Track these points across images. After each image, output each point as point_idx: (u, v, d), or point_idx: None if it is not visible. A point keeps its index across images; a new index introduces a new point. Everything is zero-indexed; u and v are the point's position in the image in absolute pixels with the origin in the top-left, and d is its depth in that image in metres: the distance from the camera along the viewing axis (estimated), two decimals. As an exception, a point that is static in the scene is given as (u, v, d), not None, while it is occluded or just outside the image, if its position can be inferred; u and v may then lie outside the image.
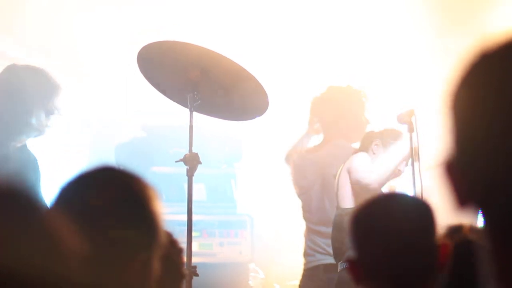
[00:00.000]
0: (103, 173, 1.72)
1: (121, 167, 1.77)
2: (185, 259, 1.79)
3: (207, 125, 5.63)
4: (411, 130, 4.09)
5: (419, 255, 2.02)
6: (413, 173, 4.04)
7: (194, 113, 3.90)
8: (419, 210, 2.05)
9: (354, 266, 2.09)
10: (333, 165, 4.57)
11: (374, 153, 4.23)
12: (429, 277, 2.03)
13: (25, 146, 4.14)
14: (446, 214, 1.08)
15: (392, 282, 2.02)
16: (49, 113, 4.15)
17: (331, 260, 4.50)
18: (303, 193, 4.79)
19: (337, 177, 4.29)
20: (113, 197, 1.66)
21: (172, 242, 2.13)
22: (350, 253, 2.13)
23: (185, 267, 1.80)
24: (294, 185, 4.85)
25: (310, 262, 4.69)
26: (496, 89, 1.05)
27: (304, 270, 4.73)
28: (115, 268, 1.59)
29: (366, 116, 4.83)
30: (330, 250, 4.52)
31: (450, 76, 1.10)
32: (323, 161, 4.71)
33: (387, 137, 4.27)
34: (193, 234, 5.31)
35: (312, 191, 4.72)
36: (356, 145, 4.59)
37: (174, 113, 4.85)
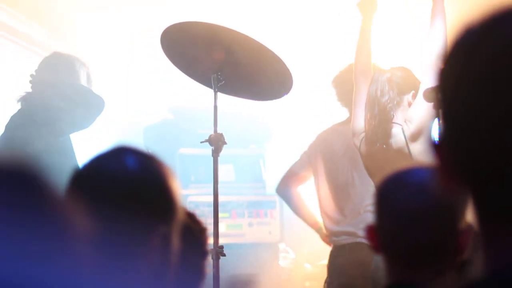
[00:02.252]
0: (121, 152, 1.75)
1: (140, 147, 1.80)
2: (209, 237, 1.80)
3: (236, 105, 5.63)
4: (436, 108, 4.04)
5: (432, 232, 2.00)
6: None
7: (222, 94, 3.91)
8: (437, 187, 2.02)
9: (373, 234, 2.09)
10: None
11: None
12: (443, 256, 2.00)
13: (67, 139, 4.18)
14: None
15: (405, 257, 2.01)
16: (88, 98, 4.23)
17: (355, 239, 4.51)
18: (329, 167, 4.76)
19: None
20: (130, 174, 1.70)
21: (195, 222, 2.14)
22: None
23: (209, 245, 1.81)
24: (318, 157, 4.84)
25: (334, 242, 4.68)
26: (480, 63, 1.03)
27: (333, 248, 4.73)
28: (134, 242, 1.62)
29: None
30: (352, 229, 4.53)
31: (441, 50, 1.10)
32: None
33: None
34: (223, 215, 5.35)
35: (339, 163, 4.70)
36: None
37: (202, 94, 4.85)
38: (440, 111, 1.08)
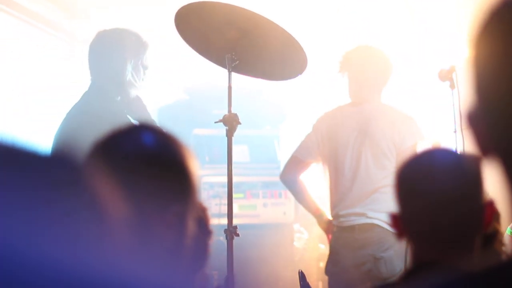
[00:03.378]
0: (138, 129, 1.75)
1: (157, 126, 1.80)
2: (210, 217, 1.80)
3: (251, 86, 5.63)
4: (452, 86, 4.04)
5: (461, 213, 1.99)
6: (456, 131, 3.99)
7: (237, 74, 3.91)
8: (464, 166, 2.02)
9: (397, 222, 2.08)
10: (376, 120, 4.59)
11: None
12: (472, 235, 2.00)
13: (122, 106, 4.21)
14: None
15: (434, 239, 2.00)
16: (143, 68, 4.29)
17: (365, 220, 4.51)
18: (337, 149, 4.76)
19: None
20: (147, 151, 1.69)
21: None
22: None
23: (211, 225, 1.80)
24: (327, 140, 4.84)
25: (342, 223, 4.68)
26: None
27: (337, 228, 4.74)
28: (148, 219, 1.62)
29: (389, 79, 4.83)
30: (361, 210, 4.54)
31: (474, 24, 1.08)
32: (364, 116, 4.69)
33: None
34: (237, 195, 5.35)
35: (350, 145, 4.69)
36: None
37: (217, 75, 4.85)
38: (476, 84, 1.07)
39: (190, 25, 3.91)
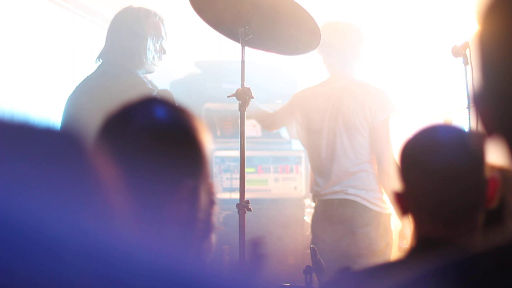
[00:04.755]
0: (151, 102, 1.75)
1: (170, 99, 1.79)
2: (215, 189, 1.80)
3: (263, 60, 5.61)
4: (466, 63, 4.02)
5: (465, 188, 1.98)
6: (469, 107, 3.98)
7: (250, 48, 3.90)
8: (468, 142, 2.01)
9: (400, 198, 2.08)
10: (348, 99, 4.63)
11: None
12: (476, 211, 2.00)
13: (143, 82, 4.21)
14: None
15: (437, 215, 2.00)
16: (160, 52, 4.27)
17: (344, 196, 4.56)
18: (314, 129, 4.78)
19: None
20: (160, 124, 1.69)
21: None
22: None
23: (215, 196, 1.81)
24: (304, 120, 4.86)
25: (322, 196, 4.73)
26: None
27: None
28: (161, 193, 1.62)
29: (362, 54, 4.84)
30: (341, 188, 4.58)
31: (480, 4, 1.07)
32: (335, 95, 4.73)
33: None
34: (249, 170, 5.36)
35: (326, 124, 4.71)
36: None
37: (230, 49, 4.84)
38: (481, 64, 1.06)
39: (203, -1, 3.90)
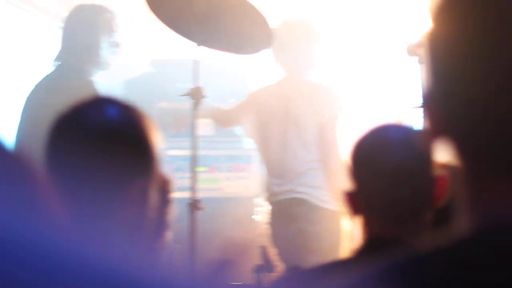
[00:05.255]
0: (101, 102, 1.74)
1: (121, 99, 1.79)
2: (172, 187, 1.80)
3: (217, 59, 5.62)
4: (421, 62, 4.05)
5: (414, 188, 2.01)
6: (422, 106, 4.00)
7: (204, 47, 3.92)
8: (417, 141, 2.03)
9: (350, 198, 2.09)
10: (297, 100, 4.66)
11: None
12: (425, 210, 2.02)
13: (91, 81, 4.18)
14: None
15: (388, 214, 2.01)
16: (113, 48, 4.25)
17: (293, 195, 4.60)
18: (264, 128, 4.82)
19: None
20: (109, 124, 1.68)
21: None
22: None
23: (173, 195, 1.81)
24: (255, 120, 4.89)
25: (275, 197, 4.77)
26: (475, 16, 1.02)
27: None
28: (111, 193, 1.62)
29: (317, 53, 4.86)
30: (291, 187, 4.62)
31: (433, 2, 1.08)
32: (285, 95, 4.76)
33: None
34: (201, 169, 5.36)
35: (277, 124, 4.74)
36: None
37: (184, 48, 4.83)
38: (430, 63, 1.08)
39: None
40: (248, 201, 5.63)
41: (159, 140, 1.73)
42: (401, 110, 5.37)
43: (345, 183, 2.13)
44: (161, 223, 1.76)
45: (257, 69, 6.32)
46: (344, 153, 4.43)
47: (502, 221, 1.00)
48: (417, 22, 5.72)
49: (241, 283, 3.04)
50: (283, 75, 4.88)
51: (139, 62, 6.23)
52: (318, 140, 4.63)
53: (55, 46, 4.30)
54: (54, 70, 4.19)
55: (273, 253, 4.63)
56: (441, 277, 0.95)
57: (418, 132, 2.22)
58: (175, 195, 1.83)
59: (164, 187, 1.76)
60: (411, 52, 4.08)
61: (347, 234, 4.75)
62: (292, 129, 4.66)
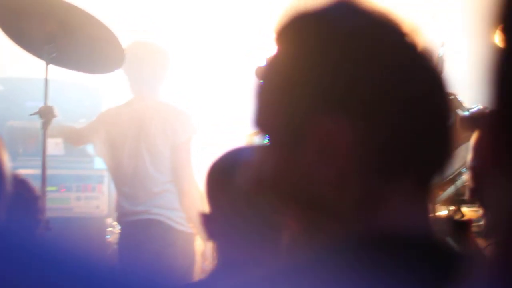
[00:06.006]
0: None
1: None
2: (43, 205, 1.79)
3: (68, 78, 5.57)
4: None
5: (265, 212, 2.03)
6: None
7: (55, 66, 3.89)
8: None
9: (206, 220, 2.07)
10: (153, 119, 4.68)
11: None
12: (276, 233, 2.05)
13: None
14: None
15: (245, 237, 2.02)
16: None
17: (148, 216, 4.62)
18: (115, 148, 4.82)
19: None
20: None
21: (27, 189, 2.10)
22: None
23: (42, 212, 1.79)
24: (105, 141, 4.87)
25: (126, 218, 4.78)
26: (310, 43, 1.06)
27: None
28: None
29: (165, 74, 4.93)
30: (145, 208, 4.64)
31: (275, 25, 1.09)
32: (138, 116, 4.76)
33: None
34: (50, 188, 5.28)
35: (129, 145, 4.75)
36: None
37: (34, 66, 4.77)
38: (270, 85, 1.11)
39: (7, 14, 3.84)
40: (99, 221, 5.59)
41: (6, 159, 1.71)
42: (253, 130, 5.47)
43: (200, 205, 2.12)
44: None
45: (110, 89, 6.30)
46: (198, 176, 4.45)
47: (383, 231, 1.03)
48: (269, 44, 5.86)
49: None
50: (133, 95, 4.86)
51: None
52: (171, 162, 4.61)
53: None
54: None
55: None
56: None
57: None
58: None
59: (32, 204, 1.75)
60: (259, 75, 4.18)
61: (201, 255, 4.77)
62: (144, 150, 4.63)
